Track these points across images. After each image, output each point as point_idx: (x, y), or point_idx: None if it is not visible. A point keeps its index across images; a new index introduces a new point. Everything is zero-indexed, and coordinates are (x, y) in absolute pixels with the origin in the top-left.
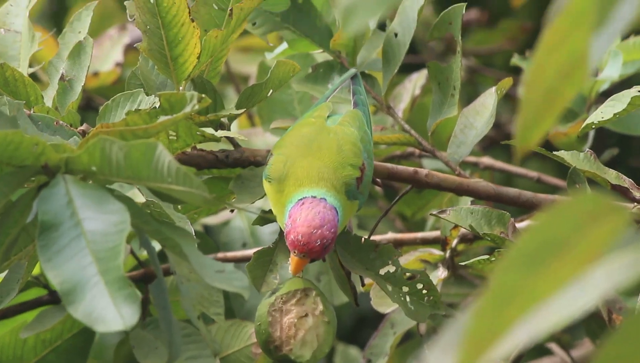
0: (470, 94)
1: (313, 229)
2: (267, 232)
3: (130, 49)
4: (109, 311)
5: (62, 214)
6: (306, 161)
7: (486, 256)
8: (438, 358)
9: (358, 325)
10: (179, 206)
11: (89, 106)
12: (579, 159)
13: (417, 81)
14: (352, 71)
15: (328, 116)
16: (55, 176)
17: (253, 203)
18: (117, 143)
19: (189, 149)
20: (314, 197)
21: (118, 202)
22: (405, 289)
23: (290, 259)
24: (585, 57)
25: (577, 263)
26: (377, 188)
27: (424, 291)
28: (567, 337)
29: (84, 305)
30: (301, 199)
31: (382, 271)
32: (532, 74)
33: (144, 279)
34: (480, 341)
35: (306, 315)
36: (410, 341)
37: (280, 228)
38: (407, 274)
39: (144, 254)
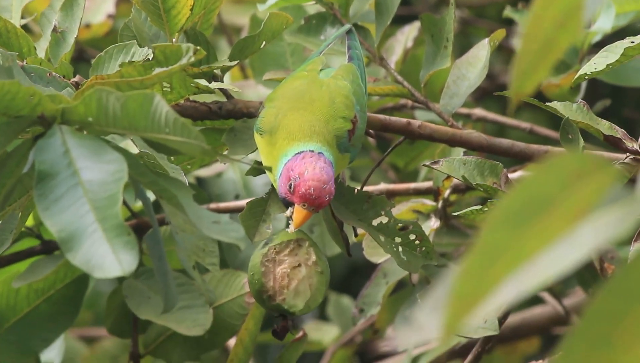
0: (462, 46)
1: (323, 184)
2: (260, 184)
3: (121, 0)
4: (107, 258)
5: (58, 164)
6: (298, 114)
7: (479, 207)
8: (427, 316)
9: (350, 275)
10: (172, 158)
11: (81, 58)
12: (572, 110)
13: (409, 33)
14: (347, 26)
15: (321, 70)
16: (51, 126)
17: (247, 155)
18: (114, 94)
19: (182, 101)
20: (312, 151)
21: (115, 152)
22: (398, 240)
23: (293, 211)
24: (580, 7)
25: (565, 220)
26: (370, 139)
27: (417, 242)
28: (559, 286)
29: (82, 252)
30: (299, 152)
31: (375, 222)
32: (530, 25)
33: (138, 230)
34: (466, 300)
35: (299, 265)
36: (403, 290)
37: (271, 180)
38: (400, 225)
39: (137, 205)
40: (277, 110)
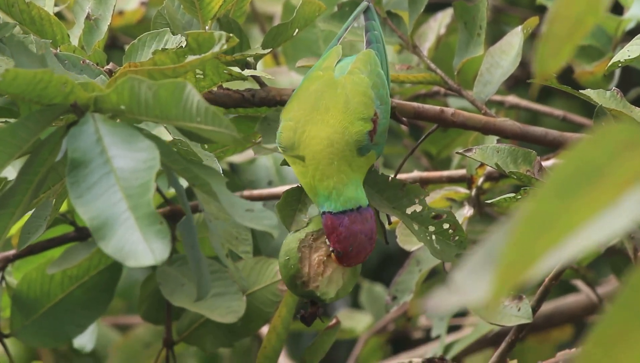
0: (495, 34)
1: (364, 256)
2: (293, 171)
3: None
4: (139, 246)
5: (91, 151)
6: (315, 129)
7: (512, 194)
8: (467, 280)
9: (383, 262)
10: (206, 145)
11: (114, 45)
12: (606, 98)
13: (442, 20)
14: (364, 4)
15: (338, 64)
16: (84, 114)
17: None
18: (145, 82)
19: (215, 88)
20: (359, 208)
21: (147, 140)
22: (432, 228)
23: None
24: None
25: (612, 191)
26: (403, 127)
27: (450, 231)
28: (592, 274)
29: (114, 241)
30: (342, 212)
31: (409, 211)
32: (560, 5)
33: (171, 216)
34: (516, 266)
35: None
36: (435, 277)
37: (299, 180)
38: (433, 213)
39: (170, 191)
40: (295, 123)
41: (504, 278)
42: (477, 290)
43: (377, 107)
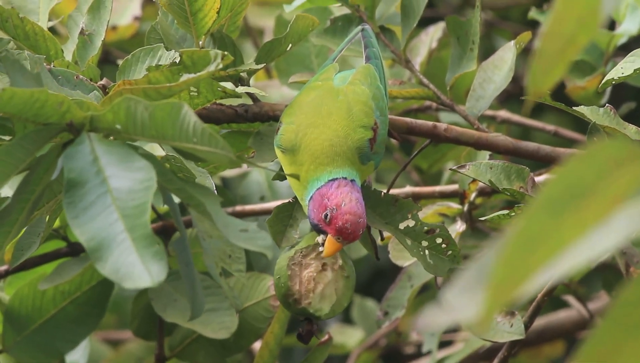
0: (486, 48)
1: (358, 218)
2: (285, 185)
3: (147, 2)
4: (136, 268)
5: (87, 171)
6: (317, 131)
7: (506, 211)
8: (458, 299)
9: (375, 278)
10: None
11: (107, 60)
12: (599, 115)
13: (434, 34)
14: (359, 27)
15: (337, 75)
16: (80, 133)
17: (273, 160)
18: (142, 103)
19: (208, 105)
20: (345, 179)
21: (143, 159)
22: (425, 243)
23: (325, 239)
24: (600, 4)
25: (602, 208)
26: (393, 141)
27: (443, 246)
28: (583, 289)
29: (111, 262)
30: (333, 179)
31: (402, 226)
32: (550, 23)
33: (164, 232)
34: (506, 285)
35: (325, 269)
36: (426, 293)
37: (294, 190)
38: (426, 228)
39: (163, 207)
40: (297, 127)
41: (495, 297)
42: (469, 308)
43: (377, 118)
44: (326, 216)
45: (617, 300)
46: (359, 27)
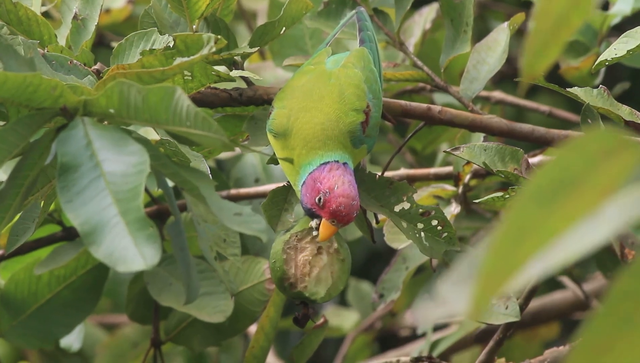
0: (480, 29)
1: (352, 200)
2: (279, 168)
3: None
4: (129, 252)
5: (81, 155)
6: (310, 115)
7: (500, 194)
8: (451, 291)
9: (370, 260)
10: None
11: (100, 43)
12: (592, 96)
13: (427, 15)
14: (354, 11)
15: (330, 58)
16: (73, 118)
17: (267, 145)
18: (135, 87)
19: (203, 89)
20: (337, 162)
21: (137, 143)
22: (420, 226)
23: (319, 223)
24: None
25: (591, 199)
26: (388, 123)
27: (439, 228)
28: (578, 270)
29: (104, 246)
30: (325, 163)
31: (397, 209)
32: (542, 3)
33: (158, 216)
34: (496, 277)
35: (321, 253)
36: (420, 275)
37: (287, 175)
38: (421, 210)
39: (158, 191)
40: (289, 111)
41: (485, 288)
42: (461, 300)
43: (370, 101)
44: (319, 199)
45: (610, 292)
46: (354, 11)
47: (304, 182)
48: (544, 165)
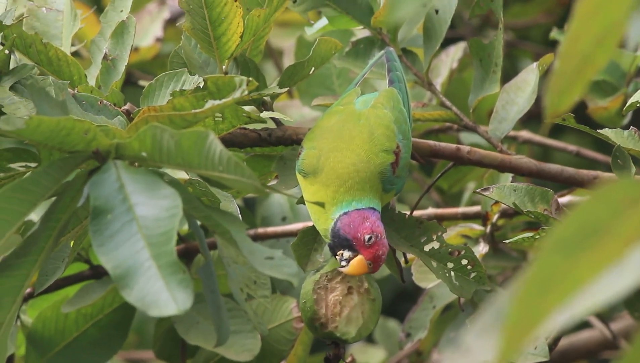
0: (507, 68)
1: (387, 249)
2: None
3: (169, 23)
4: (162, 296)
5: (113, 199)
6: (341, 155)
7: (530, 234)
8: (476, 341)
9: (397, 298)
10: None
11: (128, 81)
12: (623, 137)
13: (454, 54)
14: (382, 52)
15: (359, 98)
16: (106, 161)
17: (296, 185)
18: (168, 131)
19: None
20: (374, 209)
21: (169, 187)
22: (450, 265)
23: (354, 259)
24: (619, 24)
25: (617, 247)
26: (414, 162)
27: (469, 267)
28: (606, 310)
29: (137, 290)
30: (372, 208)
31: (427, 248)
32: (567, 43)
33: (186, 254)
34: (521, 328)
35: (351, 293)
36: (447, 313)
37: (313, 218)
38: (451, 249)
39: (184, 229)
40: (319, 151)
41: (511, 339)
42: (486, 350)
43: (400, 141)
44: (370, 238)
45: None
46: (382, 52)
47: (347, 212)
48: (569, 213)
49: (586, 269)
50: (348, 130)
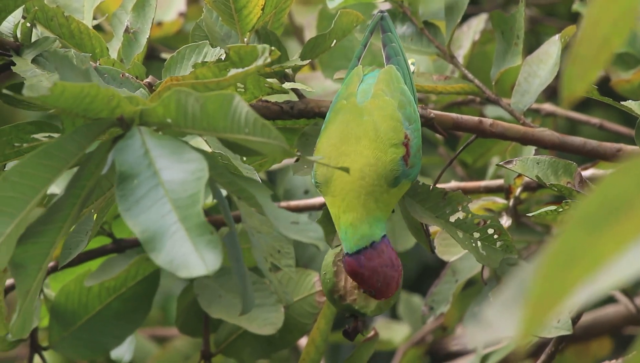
0: (532, 44)
1: (395, 282)
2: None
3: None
4: (191, 257)
5: (139, 164)
6: (349, 160)
7: (553, 207)
8: (498, 315)
9: (421, 274)
10: (244, 158)
11: (152, 56)
12: None
13: (477, 25)
14: (377, 15)
15: (360, 85)
16: (130, 128)
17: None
18: (193, 95)
19: (254, 101)
20: (373, 244)
21: (195, 151)
22: (477, 235)
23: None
24: (635, 8)
25: None
26: (439, 136)
27: (495, 236)
28: (630, 285)
29: (165, 252)
30: (364, 248)
31: (452, 219)
32: (585, 25)
33: None
34: (545, 303)
35: None
36: (471, 288)
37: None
38: (477, 220)
39: (206, 202)
40: (328, 160)
41: (534, 314)
42: (508, 325)
43: (407, 128)
44: (368, 292)
45: None
46: (377, 15)
47: (344, 256)
48: (593, 189)
49: (610, 244)
50: (353, 131)
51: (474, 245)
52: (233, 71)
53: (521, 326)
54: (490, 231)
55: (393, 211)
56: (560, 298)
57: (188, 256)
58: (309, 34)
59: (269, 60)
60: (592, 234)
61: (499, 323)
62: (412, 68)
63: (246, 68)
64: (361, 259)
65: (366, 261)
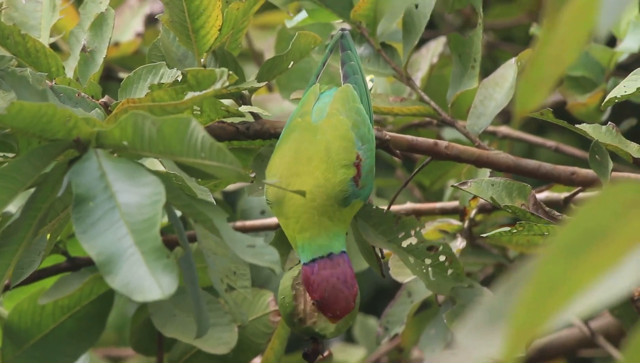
0: (489, 69)
1: (347, 300)
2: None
3: (150, 19)
4: (146, 281)
5: (95, 187)
6: (300, 181)
7: (508, 228)
8: (469, 339)
9: (377, 295)
10: (199, 179)
11: (108, 76)
12: (601, 133)
13: (435, 48)
14: (338, 33)
15: (316, 103)
16: (87, 150)
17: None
18: (149, 118)
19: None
20: (322, 257)
21: (151, 174)
22: (428, 261)
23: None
24: (586, 27)
25: (618, 251)
26: (396, 159)
27: (446, 264)
28: None
29: (121, 276)
30: (312, 261)
31: (404, 244)
32: (540, 44)
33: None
34: (527, 328)
35: None
36: (427, 310)
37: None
38: (429, 246)
39: (162, 221)
40: (280, 180)
41: (516, 339)
42: (482, 348)
43: (359, 149)
44: (316, 304)
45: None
46: (338, 35)
47: (302, 267)
48: (571, 217)
49: (588, 272)
50: (305, 150)
51: (424, 271)
52: (190, 95)
53: (504, 349)
54: (442, 258)
55: (346, 234)
56: (542, 323)
57: (144, 280)
58: (269, 55)
59: (227, 83)
60: (570, 262)
61: (471, 346)
62: (370, 84)
63: (204, 92)
64: (315, 267)
65: (319, 269)
